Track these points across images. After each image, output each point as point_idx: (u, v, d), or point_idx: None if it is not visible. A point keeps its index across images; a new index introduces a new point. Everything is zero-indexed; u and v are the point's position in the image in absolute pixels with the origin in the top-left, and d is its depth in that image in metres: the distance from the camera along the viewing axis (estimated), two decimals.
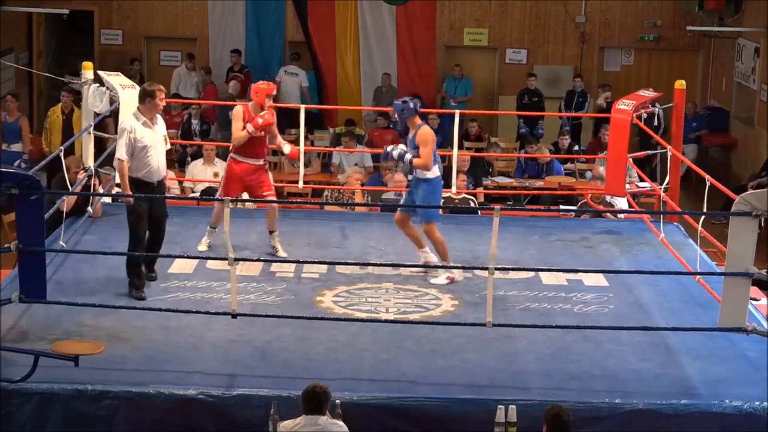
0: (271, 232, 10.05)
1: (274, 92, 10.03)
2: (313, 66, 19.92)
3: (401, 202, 10.08)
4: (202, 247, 10.05)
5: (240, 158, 9.90)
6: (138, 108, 9.04)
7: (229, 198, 8.04)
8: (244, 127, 9.78)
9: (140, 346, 7.92)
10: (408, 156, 9.44)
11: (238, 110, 9.90)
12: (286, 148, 10.29)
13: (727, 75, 19.48)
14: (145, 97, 8.98)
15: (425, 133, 9.46)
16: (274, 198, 10.23)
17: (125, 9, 20.38)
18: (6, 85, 18.98)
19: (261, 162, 9.98)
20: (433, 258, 9.63)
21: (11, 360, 7.35)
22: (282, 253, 9.93)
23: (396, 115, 9.59)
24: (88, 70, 11.22)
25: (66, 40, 21.20)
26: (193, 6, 20.37)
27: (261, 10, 20.23)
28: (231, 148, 9.94)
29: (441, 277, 9.50)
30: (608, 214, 12.02)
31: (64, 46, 21.13)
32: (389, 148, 9.68)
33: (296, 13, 20.08)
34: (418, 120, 9.53)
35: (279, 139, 10.26)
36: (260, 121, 9.77)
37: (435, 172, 9.57)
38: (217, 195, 10.07)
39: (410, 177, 9.93)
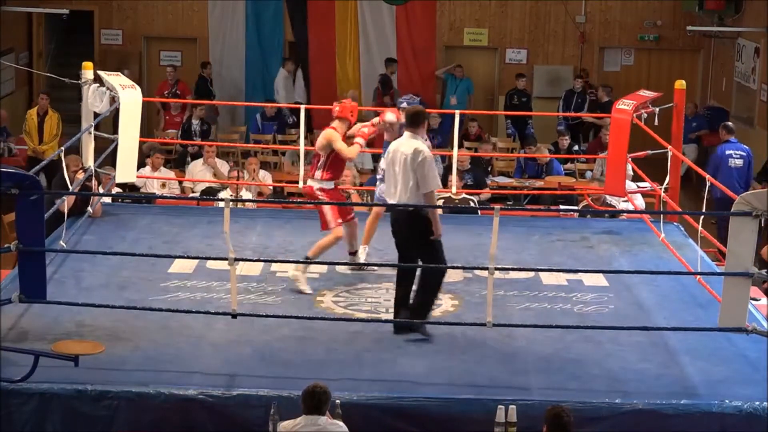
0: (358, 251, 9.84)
1: None
2: (300, 66, 19.80)
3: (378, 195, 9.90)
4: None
5: (336, 183, 9.48)
6: (414, 131, 8.41)
7: (229, 198, 8.03)
8: (354, 142, 9.33)
9: (140, 346, 7.91)
10: None
11: (334, 134, 9.23)
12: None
13: (727, 75, 19.48)
14: (422, 118, 8.45)
15: None
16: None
17: (125, 9, 20.38)
18: (6, 85, 18.99)
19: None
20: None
21: (11, 360, 7.34)
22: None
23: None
24: (88, 70, 11.21)
25: (66, 40, 21.20)
26: (193, 6, 20.37)
27: (261, 10, 20.21)
28: (321, 175, 9.27)
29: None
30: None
31: (64, 46, 21.13)
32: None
33: (289, 16, 20.05)
34: None
35: None
36: (366, 130, 9.43)
37: None
38: (331, 223, 9.29)
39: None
